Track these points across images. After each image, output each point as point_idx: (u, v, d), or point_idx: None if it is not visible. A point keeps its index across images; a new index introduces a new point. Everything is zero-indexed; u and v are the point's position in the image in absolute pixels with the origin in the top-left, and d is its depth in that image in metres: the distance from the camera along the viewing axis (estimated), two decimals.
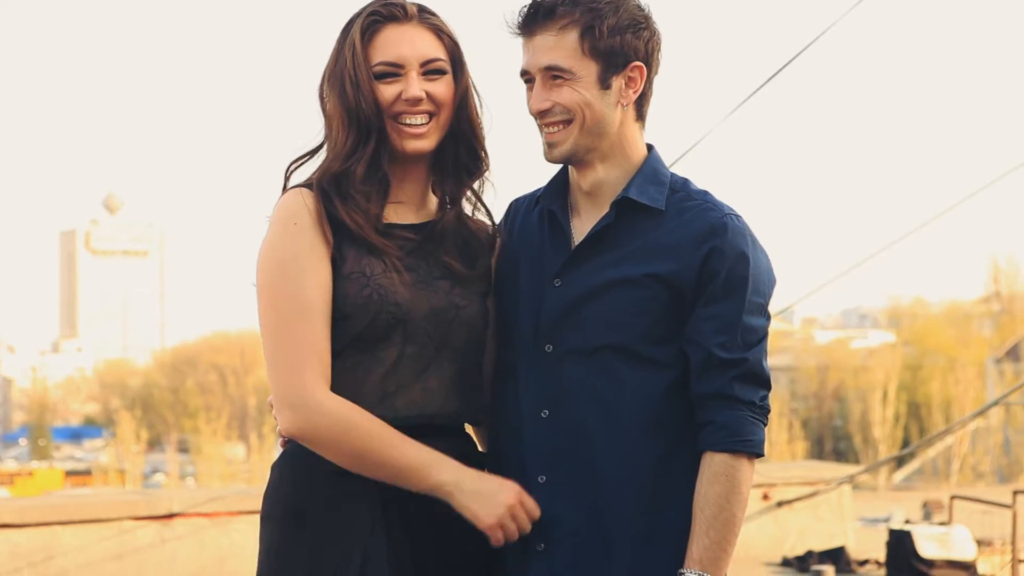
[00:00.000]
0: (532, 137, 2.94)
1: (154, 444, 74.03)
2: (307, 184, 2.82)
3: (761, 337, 2.81)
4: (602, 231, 2.84)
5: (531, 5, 2.81)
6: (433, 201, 2.93)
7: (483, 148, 2.93)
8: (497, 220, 2.99)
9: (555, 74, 2.81)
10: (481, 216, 2.96)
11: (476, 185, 2.94)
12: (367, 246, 2.77)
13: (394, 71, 2.79)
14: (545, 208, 2.95)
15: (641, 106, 2.88)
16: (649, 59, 2.85)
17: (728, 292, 2.76)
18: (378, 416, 2.72)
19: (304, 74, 2.97)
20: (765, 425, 2.81)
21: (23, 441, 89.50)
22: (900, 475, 46.80)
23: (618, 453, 2.78)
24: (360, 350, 2.74)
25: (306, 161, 2.88)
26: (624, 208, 2.83)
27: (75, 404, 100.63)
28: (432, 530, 2.76)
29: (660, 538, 2.78)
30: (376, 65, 2.78)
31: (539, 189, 3.01)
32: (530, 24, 2.82)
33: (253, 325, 2.98)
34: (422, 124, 2.82)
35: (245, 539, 7.98)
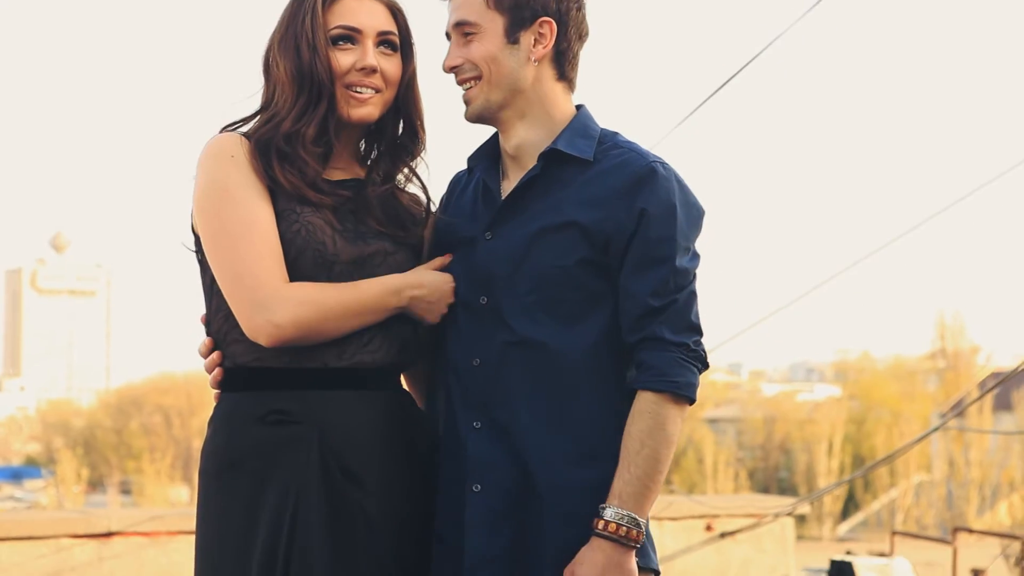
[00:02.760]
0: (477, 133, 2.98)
1: (96, 485, 73.09)
2: (232, 130, 2.88)
3: (691, 279, 2.82)
4: (529, 182, 2.87)
5: None
6: (360, 159, 2.98)
7: (423, 129, 2.98)
8: (430, 189, 3.04)
9: (465, 30, 2.87)
10: (415, 190, 3.01)
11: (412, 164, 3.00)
12: (298, 197, 2.81)
13: (351, 35, 2.84)
14: (477, 174, 2.99)
15: (561, 65, 2.90)
16: (563, 16, 2.87)
17: (660, 244, 2.78)
18: (308, 368, 2.76)
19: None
20: (699, 371, 2.82)
21: None
22: (844, 527, 46.96)
23: (547, 403, 2.81)
24: None
25: (239, 127, 2.91)
26: (551, 160, 2.85)
27: (16, 444, 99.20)
28: (369, 471, 2.77)
29: (589, 489, 2.79)
30: (334, 29, 2.83)
31: (468, 159, 3.05)
32: None
33: (199, 366, 2.98)
34: (370, 94, 2.87)
35: (184, 559, 7.90)
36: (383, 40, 2.89)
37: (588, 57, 2.96)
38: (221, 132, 2.90)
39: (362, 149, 3.00)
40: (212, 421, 2.85)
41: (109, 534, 7.86)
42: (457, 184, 3.11)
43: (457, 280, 2.90)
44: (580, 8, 2.91)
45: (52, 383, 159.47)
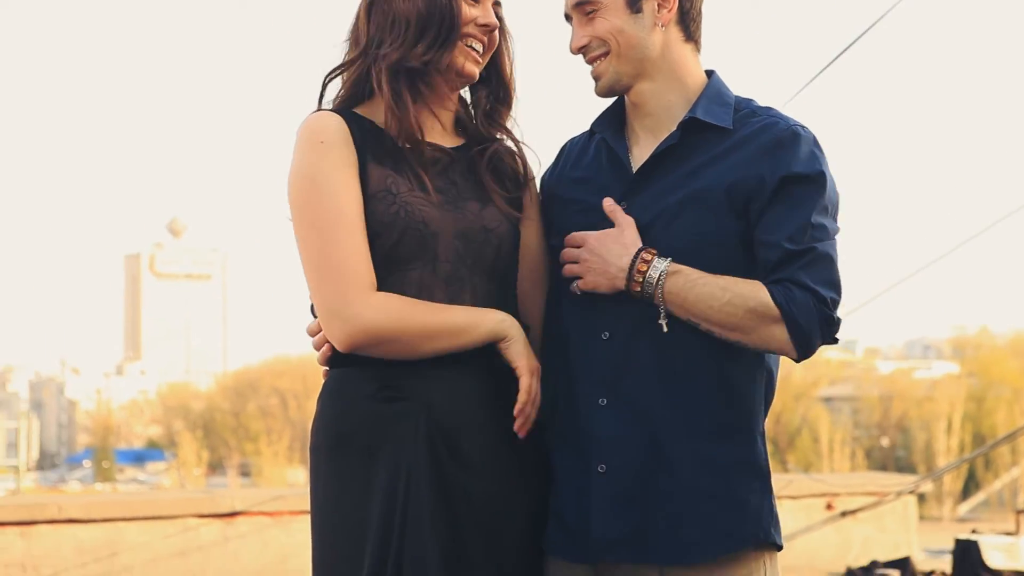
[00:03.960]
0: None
1: (215, 467, 74.45)
2: (329, 108, 2.88)
3: (831, 236, 2.75)
4: (667, 151, 2.82)
5: None
6: (457, 128, 2.97)
7: (513, 87, 2.99)
8: (528, 155, 3.00)
9: (586, 9, 2.84)
10: (511, 147, 2.99)
11: (508, 124, 2.99)
12: (392, 164, 2.81)
13: None
14: (599, 140, 2.95)
15: (688, 26, 2.87)
16: None
17: (799, 201, 2.73)
18: None
19: None
20: (823, 336, 2.71)
21: (87, 463, 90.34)
22: (965, 507, 46.23)
23: (681, 378, 2.76)
24: (391, 270, 2.77)
25: (343, 72, 2.92)
26: (689, 128, 2.81)
27: (138, 427, 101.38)
28: (474, 449, 2.77)
29: (720, 465, 2.76)
30: None
31: (592, 124, 3.01)
32: None
33: (313, 349, 2.99)
34: (482, 52, 2.90)
35: (306, 538, 7.93)
36: (495, 10, 2.91)
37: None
38: (325, 83, 2.93)
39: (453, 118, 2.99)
40: (321, 397, 2.86)
41: (233, 514, 7.98)
42: (572, 148, 3.05)
43: None
44: None
45: (171, 367, 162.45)
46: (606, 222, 2.82)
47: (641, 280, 2.73)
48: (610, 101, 2.97)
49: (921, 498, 11.82)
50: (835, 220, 2.78)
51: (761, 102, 2.92)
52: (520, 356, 2.80)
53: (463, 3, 2.84)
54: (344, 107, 2.90)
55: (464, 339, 2.76)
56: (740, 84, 2.96)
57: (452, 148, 2.91)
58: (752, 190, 2.74)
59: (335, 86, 2.94)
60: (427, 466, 2.71)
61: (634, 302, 2.77)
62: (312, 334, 2.92)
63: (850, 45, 6.98)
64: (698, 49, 2.91)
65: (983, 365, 55.75)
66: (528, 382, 2.79)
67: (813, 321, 2.68)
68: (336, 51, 2.95)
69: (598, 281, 2.79)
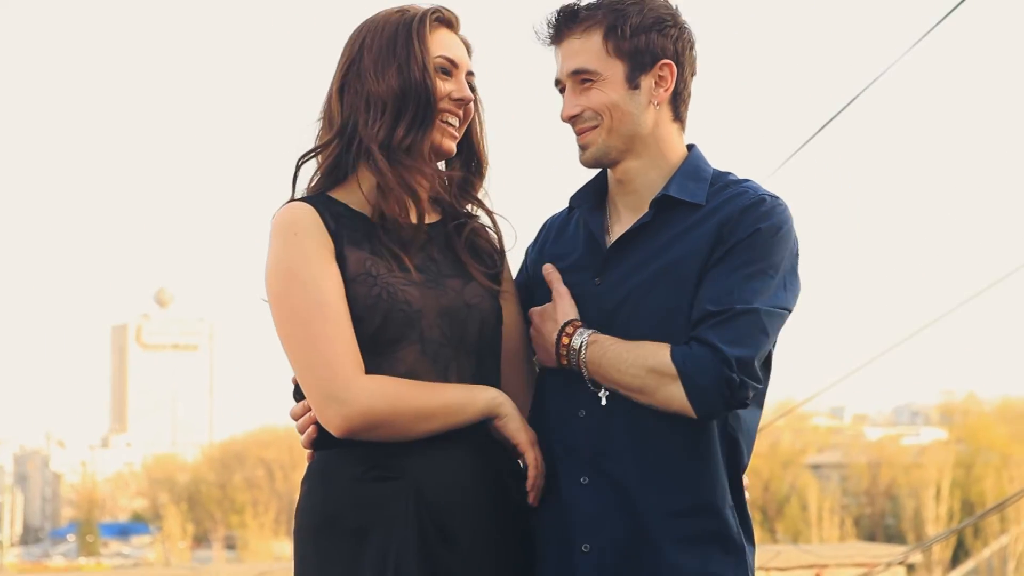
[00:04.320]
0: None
1: (201, 540, 73.86)
2: (299, 198, 2.87)
3: (763, 298, 2.69)
4: (639, 228, 2.82)
5: (556, 12, 2.85)
6: (432, 204, 2.95)
7: (486, 158, 2.99)
8: (503, 226, 3.00)
9: (583, 77, 2.83)
10: (484, 220, 2.99)
11: (480, 194, 2.99)
12: (369, 247, 2.81)
13: (451, 68, 2.87)
14: (578, 216, 2.95)
15: (677, 106, 2.88)
16: (680, 57, 2.85)
17: (737, 257, 2.71)
18: None
19: None
20: (727, 394, 2.66)
21: (71, 537, 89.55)
22: (955, 575, 45.99)
23: (657, 454, 2.75)
24: (377, 352, 2.76)
25: (318, 155, 2.91)
26: (663, 206, 2.82)
27: (123, 499, 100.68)
28: (467, 528, 2.76)
29: (695, 541, 2.75)
30: (438, 58, 2.85)
31: (570, 200, 3.01)
32: (558, 31, 2.86)
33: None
34: (458, 126, 2.90)
35: None
36: (468, 81, 2.91)
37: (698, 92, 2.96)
38: (299, 166, 2.92)
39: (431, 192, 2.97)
40: (307, 479, 2.85)
41: None
42: (553, 224, 3.07)
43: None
44: (694, 47, 2.90)
45: (157, 438, 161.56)
46: (582, 295, 2.84)
47: (566, 353, 2.76)
48: (591, 174, 2.97)
49: (910, 568, 11.78)
50: (783, 285, 2.74)
51: (741, 175, 2.92)
52: (519, 431, 2.81)
53: (437, 79, 2.84)
54: (318, 191, 2.89)
55: (459, 418, 2.75)
56: (728, 157, 2.97)
57: (429, 224, 2.90)
58: (706, 259, 2.74)
59: (309, 167, 2.93)
60: (416, 548, 2.70)
61: None
62: (295, 417, 2.90)
63: (835, 116, 7.03)
64: (683, 128, 2.92)
65: (971, 431, 55.70)
66: (534, 456, 2.81)
67: (711, 380, 2.64)
68: (308, 133, 2.94)
69: (542, 356, 2.84)
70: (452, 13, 2.92)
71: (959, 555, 45.36)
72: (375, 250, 2.81)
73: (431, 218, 2.93)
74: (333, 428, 2.73)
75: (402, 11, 2.89)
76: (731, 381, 2.64)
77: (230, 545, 68.24)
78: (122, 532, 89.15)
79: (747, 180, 2.88)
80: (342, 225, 2.81)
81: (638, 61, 2.82)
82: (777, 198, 2.80)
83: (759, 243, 2.72)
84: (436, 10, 2.89)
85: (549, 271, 2.87)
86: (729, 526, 2.79)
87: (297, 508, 2.85)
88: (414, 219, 2.86)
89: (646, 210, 2.84)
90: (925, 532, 46.47)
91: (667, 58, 2.83)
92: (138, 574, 8.97)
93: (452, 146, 2.89)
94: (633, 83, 2.82)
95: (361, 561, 2.72)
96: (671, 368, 2.65)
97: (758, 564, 2.88)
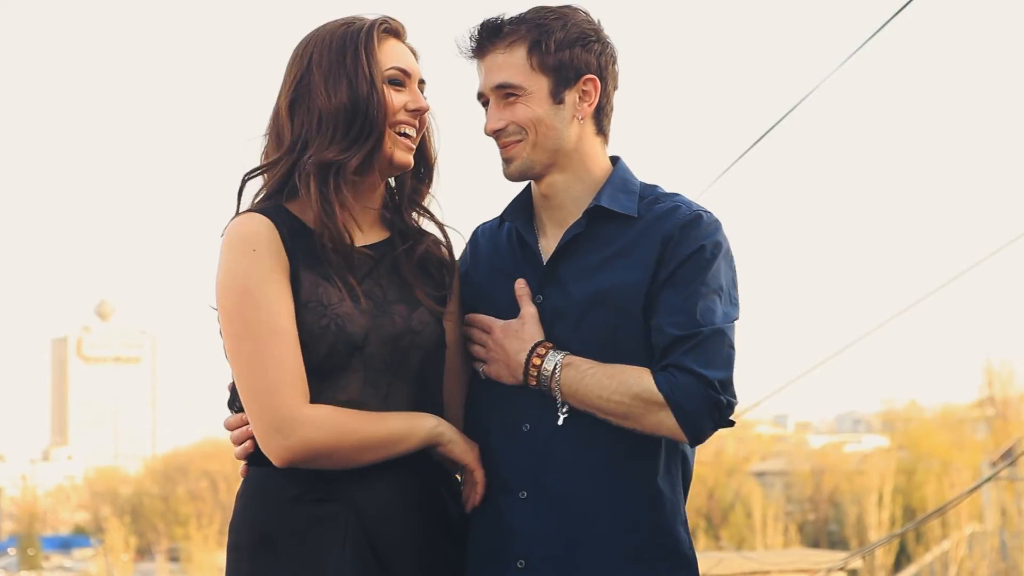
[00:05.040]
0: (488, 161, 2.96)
1: (144, 553, 73.13)
2: (258, 209, 2.81)
3: (721, 317, 2.73)
4: (572, 241, 2.83)
5: (479, 27, 2.85)
6: (381, 220, 2.93)
7: (434, 164, 2.97)
8: (452, 238, 3.00)
9: (507, 91, 2.84)
10: (431, 228, 2.97)
11: (427, 202, 2.97)
12: (322, 271, 2.77)
13: (403, 78, 2.84)
14: (512, 227, 2.95)
15: (600, 120, 2.89)
16: (603, 72, 2.86)
17: (686, 277, 2.73)
18: None
19: None
20: (716, 417, 2.70)
21: (12, 551, 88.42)
22: None
23: (597, 472, 2.76)
24: (319, 378, 2.74)
25: (263, 173, 2.87)
26: (595, 216, 2.82)
27: (65, 513, 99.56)
28: (405, 550, 2.75)
29: (643, 558, 2.75)
30: (389, 69, 2.82)
31: (502, 213, 3.00)
32: (481, 45, 2.86)
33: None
34: (414, 137, 2.87)
35: None
36: (421, 88, 2.89)
37: (623, 105, 2.97)
38: (243, 184, 2.88)
39: (380, 208, 2.95)
40: (242, 496, 2.83)
41: None
42: (484, 234, 3.05)
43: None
44: (616, 61, 2.91)
45: (99, 451, 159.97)
46: (516, 311, 2.84)
47: (536, 374, 2.74)
48: (518, 187, 2.97)
49: (852, 573, 11.89)
50: (731, 300, 2.78)
51: (668, 188, 2.94)
52: (466, 453, 2.81)
53: (390, 91, 2.81)
54: (273, 204, 2.84)
55: (401, 447, 2.75)
56: (657, 170, 2.99)
57: (377, 243, 2.88)
58: (652, 279, 2.75)
59: (255, 182, 2.89)
60: (353, 571, 2.69)
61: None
62: (230, 428, 2.87)
63: (767, 132, 7.10)
64: (606, 142, 2.93)
65: (912, 438, 56.16)
66: (480, 475, 2.81)
67: (700, 406, 2.68)
68: (252, 145, 2.90)
69: (500, 372, 2.81)
70: (398, 22, 2.88)
71: (901, 560, 45.69)
72: (327, 275, 2.77)
73: (379, 236, 2.90)
74: (274, 458, 2.72)
75: (347, 23, 2.84)
76: (719, 403, 2.69)
77: (173, 557, 67.61)
78: (64, 545, 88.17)
79: (676, 194, 2.90)
80: (297, 244, 2.77)
81: (562, 76, 2.82)
82: (710, 213, 2.82)
83: (704, 261, 2.74)
84: (383, 20, 2.86)
85: (521, 287, 2.84)
86: (680, 541, 2.80)
87: (232, 525, 2.83)
88: (360, 241, 2.83)
89: (570, 224, 2.84)
90: (868, 538, 46.73)
91: (591, 73, 2.84)
92: None
93: (408, 158, 2.86)
94: (557, 98, 2.83)
95: None
96: (658, 396, 2.67)
97: (702, 571, 2.89)
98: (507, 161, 2.87)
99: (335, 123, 2.78)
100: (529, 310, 2.81)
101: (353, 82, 2.77)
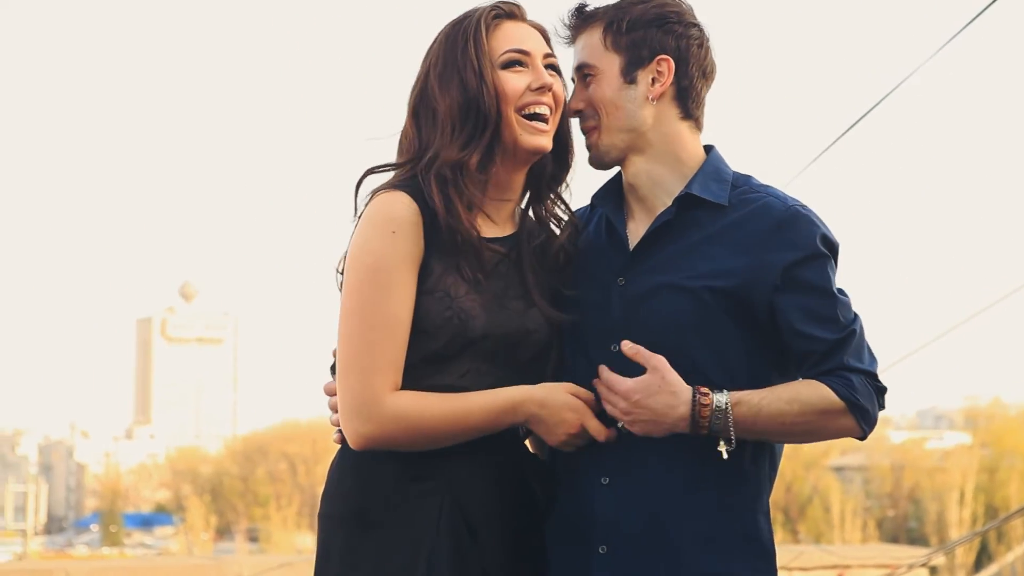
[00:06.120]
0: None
1: (223, 532, 74.03)
2: (406, 188, 2.78)
3: (851, 306, 2.78)
4: (663, 227, 2.80)
5: (567, 12, 2.87)
6: (515, 212, 2.92)
7: (572, 152, 2.93)
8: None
9: (584, 72, 2.85)
10: (560, 213, 2.94)
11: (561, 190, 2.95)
12: (452, 261, 2.76)
13: (522, 59, 2.80)
14: (601, 214, 2.93)
15: (685, 103, 2.85)
16: (683, 53, 2.82)
17: (813, 278, 2.74)
18: None
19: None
20: (880, 406, 2.77)
21: (95, 527, 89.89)
22: None
23: (679, 457, 2.74)
24: (431, 363, 2.75)
25: (387, 170, 2.86)
26: (686, 204, 2.80)
27: (147, 491, 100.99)
28: (497, 530, 2.76)
29: (723, 546, 2.74)
30: (505, 53, 2.80)
31: (592, 198, 2.99)
32: (572, 30, 2.89)
33: (324, 414, 2.98)
34: (548, 116, 2.81)
35: None
36: (548, 64, 2.84)
37: (716, 97, 2.92)
38: (360, 182, 2.87)
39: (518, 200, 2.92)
40: (338, 467, 2.83)
41: None
42: (579, 220, 3.01)
43: (589, 326, 2.83)
44: (702, 45, 2.86)
45: (181, 430, 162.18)
46: (607, 295, 2.82)
47: (707, 424, 2.69)
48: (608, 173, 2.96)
49: (933, 571, 11.76)
50: (843, 291, 2.80)
51: (763, 180, 2.91)
52: (543, 425, 2.76)
53: (506, 76, 2.79)
54: (416, 182, 2.79)
55: (495, 421, 2.74)
56: (745, 161, 2.96)
57: (506, 237, 2.86)
58: (755, 277, 2.73)
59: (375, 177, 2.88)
60: (450, 549, 2.71)
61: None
62: (329, 393, 2.90)
63: (862, 117, 7.02)
64: (699, 128, 2.89)
65: (995, 436, 55.42)
66: (596, 424, 2.75)
67: (872, 401, 2.73)
68: (367, 145, 2.91)
69: (651, 430, 2.72)
70: (513, 4, 2.84)
71: (982, 559, 45.08)
72: (456, 265, 2.76)
73: (511, 228, 2.88)
74: (350, 440, 2.74)
75: (458, 20, 2.83)
76: (882, 392, 2.77)
77: (253, 537, 68.36)
78: (145, 523, 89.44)
79: (768, 186, 2.87)
80: (435, 230, 2.75)
81: (635, 55, 2.81)
82: (807, 207, 2.81)
83: (824, 259, 2.77)
84: (494, 7, 2.82)
85: (629, 347, 2.74)
86: (761, 530, 2.79)
87: (325, 495, 2.84)
88: (492, 232, 2.83)
89: (660, 210, 2.82)
90: (948, 536, 46.22)
91: (666, 53, 2.81)
92: (161, 564, 9.00)
93: (539, 141, 2.81)
94: (629, 77, 2.81)
95: (391, 556, 2.72)
96: (840, 404, 2.70)
97: (780, 564, 2.88)
98: (588, 150, 2.88)
99: (452, 122, 2.76)
100: (660, 360, 2.71)
101: (463, 77, 2.76)
